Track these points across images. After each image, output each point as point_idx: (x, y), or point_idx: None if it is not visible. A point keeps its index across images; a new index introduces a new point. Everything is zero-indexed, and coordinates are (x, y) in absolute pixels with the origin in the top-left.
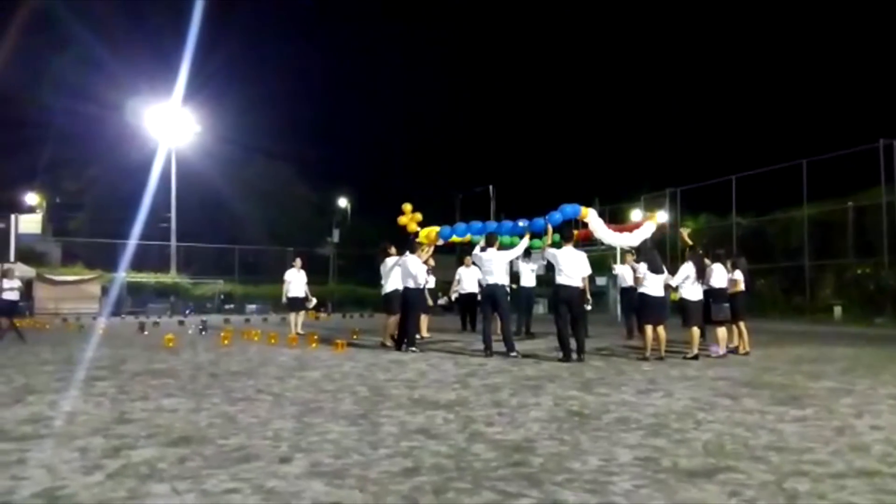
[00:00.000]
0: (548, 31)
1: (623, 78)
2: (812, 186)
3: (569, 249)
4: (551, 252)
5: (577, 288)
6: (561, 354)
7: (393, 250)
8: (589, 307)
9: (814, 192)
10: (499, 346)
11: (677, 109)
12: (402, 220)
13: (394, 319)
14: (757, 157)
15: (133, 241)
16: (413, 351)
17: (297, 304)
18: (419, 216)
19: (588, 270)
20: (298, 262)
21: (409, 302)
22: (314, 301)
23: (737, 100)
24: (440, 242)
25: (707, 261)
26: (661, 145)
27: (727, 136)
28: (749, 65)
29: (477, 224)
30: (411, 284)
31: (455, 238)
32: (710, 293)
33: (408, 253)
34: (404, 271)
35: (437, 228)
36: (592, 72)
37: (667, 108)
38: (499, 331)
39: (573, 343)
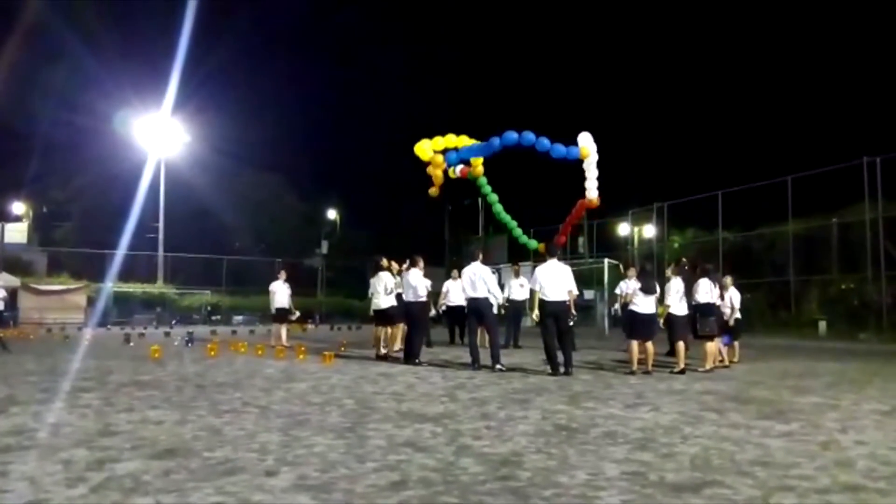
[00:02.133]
0: (536, 46)
1: (611, 93)
2: (797, 202)
3: (553, 263)
4: (537, 269)
5: (563, 302)
6: (549, 368)
7: (385, 263)
8: (572, 322)
9: (799, 208)
10: (486, 359)
11: (665, 125)
12: (419, 148)
13: (383, 332)
14: (743, 172)
15: (120, 252)
16: (419, 363)
17: (281, 316)
18: (438, 144)
19: (573, 284)
20: (283, 273)
21: (412, 315)
22: (297, 314)
23: (724, 116)
24: (446, 167)
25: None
26: (648, 160)
27: (714, 151)
28: (736, 82)
29: (478, 145)
30: (412, 298)
31: (463, 170)
32: (697, 308)
33: (413, 268)
34: (406, 285)
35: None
36: (580, 86)
37: (655, 124)
38: (486, 343)
39: (560, 357)
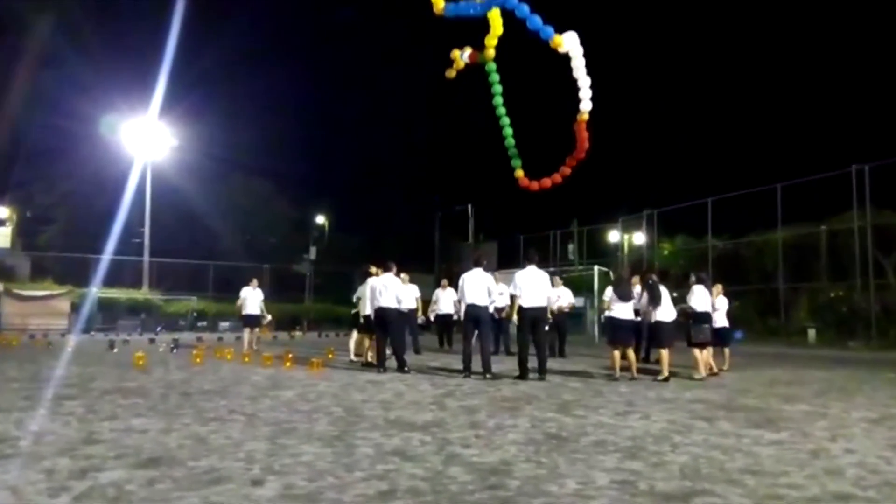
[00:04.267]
0: (528, 54)
1: (600, 100)
2: (786, 210)
3: (532, 270)
4: (517, 275)
5: (542, 308)
6: (518, 372)
7: (373, 270)
8: (546, 326)
9: (788, 216)
10: (476, 366)
11: (655, 132)
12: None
13: (369, 340)
14: (732, 180)
15: (105, 257)
16: (406, 371)
17: (251, 322)
18: (461, 64)
19: (551, 291)
20: (255, 281)
21: (390, 322)
22: (268, 318)
23: (713, 123)
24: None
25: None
26: (638, 168)
27: (704, 159)
28: (726, 89)
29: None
30: (392, 304)
31: (472, 55)
32: (692, 315)
33: (384, 273)
34: (384, 290)
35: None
36: (569, 94)
37: (644, 132)
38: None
39: (534, 362)
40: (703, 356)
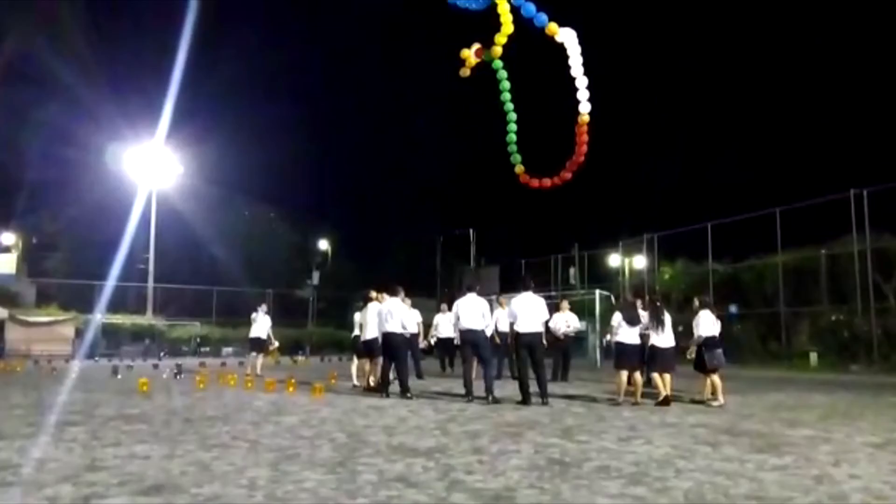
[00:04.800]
0: (526, 78)
1: (600, 126)
2: (786, 234)
3: (527, 296)
4: (512, 301)
5: (538, 333)
6: (521, 398)
7: (374, 295)
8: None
9: (788, 240)
10: (479, 390)
11: (655, 156)
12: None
13: (370, 365)
14: (732, 204)
15: (110, 283)
16: (409, 397)
17: (257, 346)
18: (473, 62)
19: (546, 315)
20: (264, 306)
21: (396, 347)
22: (275, 343)
23: (712, 148)
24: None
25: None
26: (638, 191)
27: (703, 183)
28: (724, 115)
29: None
30: (398, 329)
31: (479, 51)
32: (703, 341)
33: (390, 297)
34: (389, 316)
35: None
36: (568, 118)
37: (644, 155)
38: (480, 375)
39: (535, 387)
40: (718, 381)
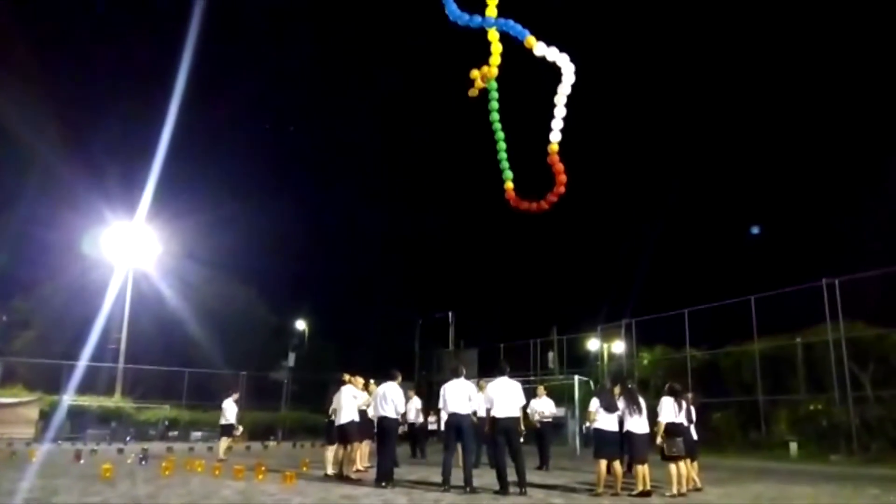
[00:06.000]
0: (520, 103)
1: (578, 210)
2: (761, 321)
3: (503, 380)
4: (488, 386)
5: (514, 419)
6: (499, 487)
7: (347, 378)
8: (522, 438)
9: (764, 327)
10: (455, 479)
11: (633, 241)
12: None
13: (349, 449)
14: (708, 290)
15: (79, 363)
16: (383, 486)
17: (226, 431)
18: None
19: (523, 400)
20: (236, 394)
21: (388, 431)
22: (240, 429)
23: (687, 235)
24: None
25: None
26: (616, 276)
27: (680, 269)
28: (697, 204)
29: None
30: (392, 414)
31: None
32: (664, 428)
33: (386, 381)
34: (381, 398)
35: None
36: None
37: (622, 241)
38: (460, 462)
39: (513, 475)
40: (677, 470)
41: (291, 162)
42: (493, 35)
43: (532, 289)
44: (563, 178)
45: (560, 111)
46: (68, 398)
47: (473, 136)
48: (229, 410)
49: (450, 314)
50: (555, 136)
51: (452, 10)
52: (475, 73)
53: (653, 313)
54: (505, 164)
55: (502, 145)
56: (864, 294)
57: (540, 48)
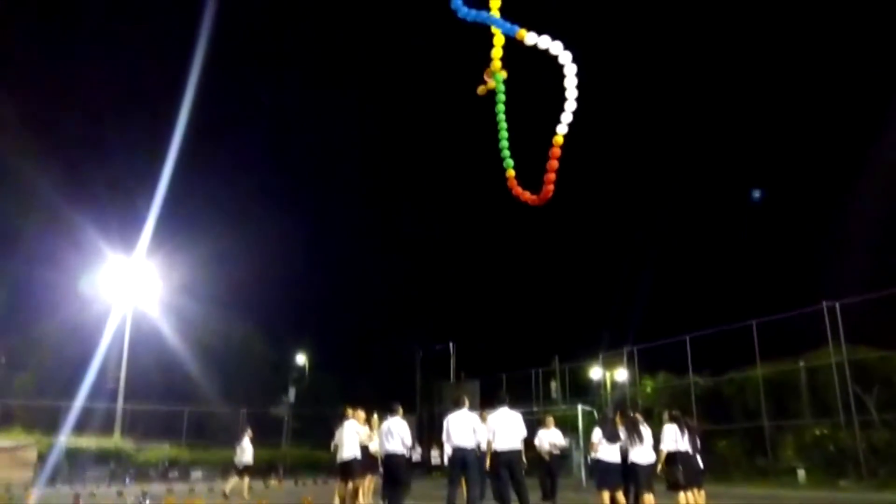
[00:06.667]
0: (506, 194)
1: (578, 238)
2: (764, 346)
3: (504, 412)
4: (489, 417)
5: (517, 451)
6: None
7: (350, 413)
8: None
9: (767, 352)
10: None
11: (632, 266)
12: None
13: (351, 486)
14: (710, 316)
15: (77, 403)
16: None
17: (245, 470)
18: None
19: (524, 432)
20: (250, 432)
21: (396, 468)
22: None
23: (687, 260)
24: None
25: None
26: (617, 302)
27: (681, 294)
28: (698, 229)
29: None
30: (399, 449)
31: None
32: (666, 457)
33: (392, 416)
34: (385, 434)
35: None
36: (547, 229)
37: (621, 265)
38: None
39: None
40: (690, 500)
41: (290, 194)
42: (496, 28)
43: (532, 317)
44: (552, 176)
45: (570, 104)
46: (65, 439)
47: (475, 165)
48: (248, 450)
49: (451, 345)
50: (561, 128)
51: (458, 4)
52: (489, 72)
53: (655, 339)
54: (506, 153)
55: (505, 134)
56: (865, 316)
57: (531, 38)
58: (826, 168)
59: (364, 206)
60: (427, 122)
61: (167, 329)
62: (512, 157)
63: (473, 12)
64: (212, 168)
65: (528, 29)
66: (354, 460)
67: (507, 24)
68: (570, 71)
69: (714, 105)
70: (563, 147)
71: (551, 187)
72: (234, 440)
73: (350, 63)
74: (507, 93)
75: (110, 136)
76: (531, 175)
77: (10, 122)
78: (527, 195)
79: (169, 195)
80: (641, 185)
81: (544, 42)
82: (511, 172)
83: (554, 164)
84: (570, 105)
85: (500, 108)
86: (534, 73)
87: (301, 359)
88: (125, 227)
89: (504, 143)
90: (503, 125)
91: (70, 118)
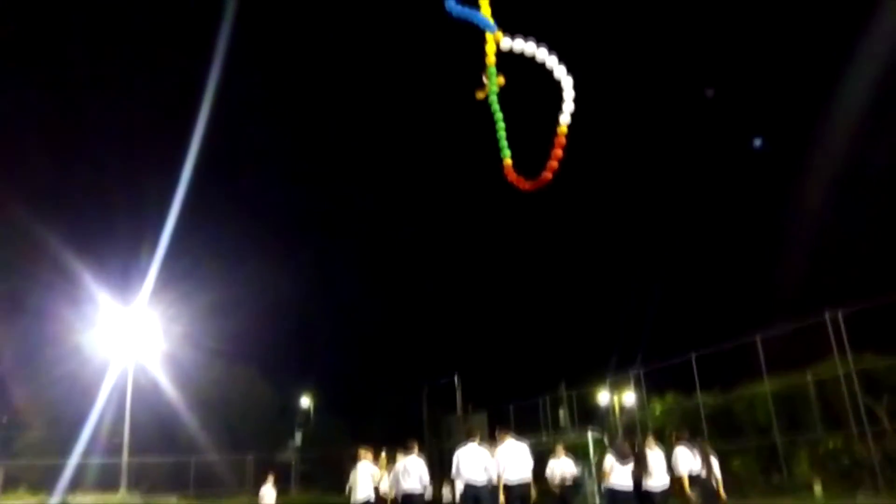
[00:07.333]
0: (506, 224)
1: (577, 264)
2: (770, 360)
3: (510, 443)
4: (497, 450)
5: (526, 484)
6: None
7: (362, 454)
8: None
9: (774, 366)
10: None
11: (635, 289)
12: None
13: None
14: (714, 332)
15: (80, 461)
16: None
17: None
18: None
19: (531, 462)
20: (271, 478)
21: None
22: None
23: (690, 279)
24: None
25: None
26: (621, 325)
27: (684, 314)
28: (697, 248)
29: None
30: (418, 488)
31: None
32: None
33: (406, 454)
34: (403, 473)
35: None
36: (551, 259)
37: (624, 290)
38: None
39: None
40: None
41: (289, 238)
42: (479, 25)
43: (537, 344)
44: (554, 164)
45: (568, 106)
46: (66, 499)
47: (478, 195)
48: (268, 496)
49: (456, 377)
50: (564, 118)
51: (451, 4)
52: (489, 59)
53: (661, 359)
54: (504, 143)
55: (501, 125)
56: (869, 324)
57: (505, 42)
58: (825, 168)
59: (368, 250)
60: (424, 148)
61: (169, 380)
62: (509, 154)
63: (459, 8)
64: (213, 212)
65: (525, 30)
66: (367, 502)
67: (490, 24)
68: (562, 73)
69: (712, 121)
70: (565, 150)
71: (549, 174)
72: (241, 487)
73: (347, 103)
74: (505, 96)
75: (112, 189)
76: (530, 174)
77: (11, 174)
78: (522, 181)
79: (170, 246)
80: (640, 211)
81: (518, 45)
82: (508, 161)
83: (558, 151)
84: (569, 94)
85: (493, 98)
86: (534, 74)
87: (305, 401)
88: (126, 279)
89: (501, 133)
90: (499, 115)
91: (71, 171)
